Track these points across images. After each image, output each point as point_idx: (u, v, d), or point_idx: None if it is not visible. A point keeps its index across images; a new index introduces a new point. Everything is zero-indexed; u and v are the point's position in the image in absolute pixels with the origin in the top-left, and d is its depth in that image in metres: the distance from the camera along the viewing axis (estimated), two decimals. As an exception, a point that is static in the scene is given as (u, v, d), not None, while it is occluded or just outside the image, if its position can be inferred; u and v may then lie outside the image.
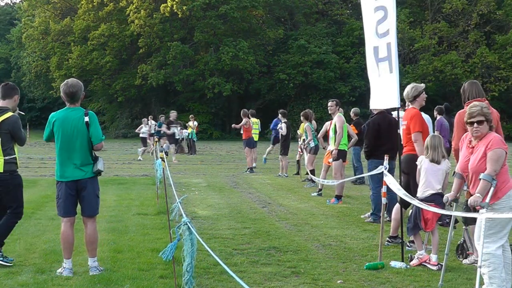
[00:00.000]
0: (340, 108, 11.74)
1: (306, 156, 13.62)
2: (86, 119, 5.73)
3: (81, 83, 5.97)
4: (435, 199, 6.05)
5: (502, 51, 41.40)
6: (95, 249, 5.86)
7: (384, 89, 6.82)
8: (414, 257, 6.35)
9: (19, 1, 61.97)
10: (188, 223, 3.74)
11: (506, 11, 42.17)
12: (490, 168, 4.76)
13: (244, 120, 17.55)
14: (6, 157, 6.05)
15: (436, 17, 44.12)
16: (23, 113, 6.68)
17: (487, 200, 4.74)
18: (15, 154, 6.18)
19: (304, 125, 13.96)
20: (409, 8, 43.95)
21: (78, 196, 5.82)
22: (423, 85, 7.24)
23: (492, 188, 4.75)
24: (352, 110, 12.38)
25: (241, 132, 17.91)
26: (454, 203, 5.48)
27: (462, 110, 6.42)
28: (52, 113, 5.91)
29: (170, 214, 4.48)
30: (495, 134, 4.95)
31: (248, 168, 17.21)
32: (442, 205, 5.86)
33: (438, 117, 11.69)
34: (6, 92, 6.22)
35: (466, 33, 42.52)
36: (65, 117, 5.77)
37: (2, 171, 6.04)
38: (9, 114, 6.10)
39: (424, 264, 6.20)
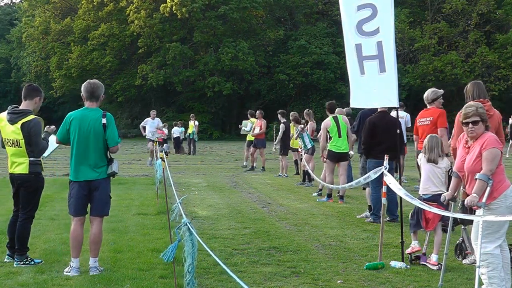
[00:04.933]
0: (339, 109, 11.77)
1: (304, 156, 13.63)
2: (104, 120, 5.74)
3: (103, 85, 6.03)
4: (437, 199, 6.06)
5: (502, 51, 41.39)
6: (98, 249, 5.86)
7: (369, 88, 6.80)
8: (413, 257, 6.38)
9: (19, 1, 61.95)
10: (188, 224, 3.75)
11: (505, 11, 42.16)
12: (486, 168, 4.77)
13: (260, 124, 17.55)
14: (31, 159, 6.03)
15: (436, 17, 44.09)
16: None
17: (484, 200, 4.75)
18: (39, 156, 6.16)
19: (295, 128, 14.04)
20: (409, 8, 43.89)
21: (90, 196, 5.83)
22: (441, 90, 8.32)
23: (488, 188, 4.76)
24: (345, 109, 12.37)
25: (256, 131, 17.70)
26: (452, 203, 5.49)
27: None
28: (70, 113, 5.92)
29: (171, 214, 4.49)
30: (491, 134, 4.96)
31: (251, 166, 17.60)
32: (444, 205, 5.87)
33: None
34: (28, 93, 6.18)
35: (466, 33, 42.50)
36: (82, 117, 5.77)
37: (27, 172, 6.01)
38: (30, 117, 6.03)
39: (424, 264, 6.21)
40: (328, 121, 11.08)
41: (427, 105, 8.26)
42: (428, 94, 8.27)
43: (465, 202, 4.84)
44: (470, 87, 6.30)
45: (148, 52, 44.10)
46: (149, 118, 19.35)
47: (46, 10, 49.83)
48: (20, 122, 5.98)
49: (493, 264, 4.78)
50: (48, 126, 6.35)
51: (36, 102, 6.22)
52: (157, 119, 19.51)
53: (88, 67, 44.11)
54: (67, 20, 46.28)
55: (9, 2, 68.78)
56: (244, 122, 19.61)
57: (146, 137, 19.34)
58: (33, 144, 5.99)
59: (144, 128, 19.60)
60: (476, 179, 4.80)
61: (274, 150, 15.70)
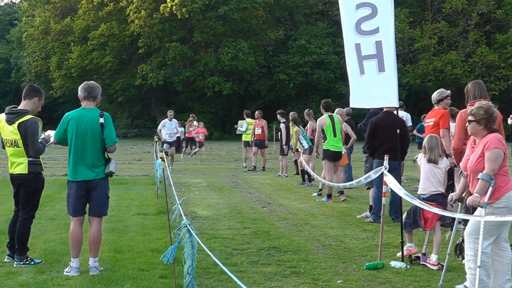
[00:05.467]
0: (339, 109, 11.76)
1: (302, 156, 13.64)
2: (101, 120, 5.75)
3: (100, 86, 6.06)
4: (436, 199, 6.07)
5: (502, 50, 41.35)
6: (98, 249, 5.87)
7: (369, 88, 6.79)
8: (413, 257, 6.37)
9: (19, 1, 61.92)
10: (188, 225, 3.74)
11: (505, 10, 42.13)
12: (488, 167, 4.78)
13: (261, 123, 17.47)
14: (30, 158, 6.02)
15: (436, 17, 44.05)
16: None
17: (485, 199, 4.74)
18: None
19: (294, 129, 14.05)
20: (409, 8, 43.84)
21: (88, 196, 5.83)
22: (448, 91, 8.22)
23: (490, 188, 4.75)
24: (345, 109, 12.41)
25: (257, 133, 17.46)
26: (459, 203, 5.48)
27: (463, 110, 6.46)
28: (67, 113, 5.92)
29: (171, 215, 4.48)
30: (494, 134, 4.96)
31: (253, 166, 17.54)
32: (443, 205, 5.87)
33: None
34: (27, 93, 6.19)
35: (466, 33, 42.47)
36: (80, 117, 5.77)
37: (26, 172, 6.01)
38: (27, 117, 6.02)
39: (424, 264, 6.21)
40: (324, 119, 11.10)
41: (434, 105, 8.29)
42: (434, 95, 8.28)
43: (467, 202, 4.84)
44: (471, 87, 6.31)
45: (148, 52, 44.08)
46: (166, 120, 17.91)
47: (46, 10, 49.77)
48: (17, 122, 5.98)
49: (482, 261, 4.79)
50: (43, 133, 6.33)
51: (35, 102, 6.21)
52: (175, 121, 18.18)
53: (88, 67, 44.06)
54: (67, 20, 46.22)
55: (9, 2, 68.80)
56: (239, 122, 19.56)
57: (163, 139, 17.53)
58: (29, 144, 5.97)
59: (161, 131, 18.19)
60: (478, 179, 4.80)
61: (287, 147, 15.59)
